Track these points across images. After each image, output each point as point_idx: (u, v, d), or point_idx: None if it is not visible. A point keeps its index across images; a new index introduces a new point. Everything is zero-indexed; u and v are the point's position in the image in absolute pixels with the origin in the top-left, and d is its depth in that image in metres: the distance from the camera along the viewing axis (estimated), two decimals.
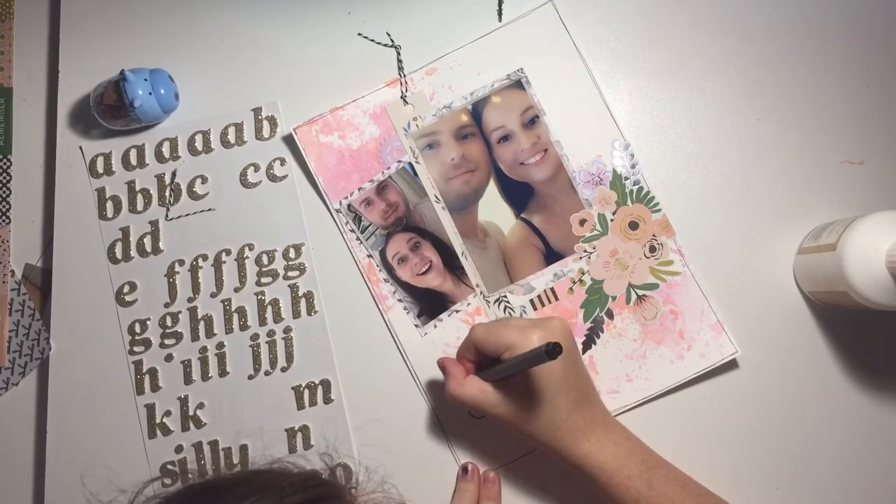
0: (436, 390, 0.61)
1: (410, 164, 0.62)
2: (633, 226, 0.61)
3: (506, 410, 0.52)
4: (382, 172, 0.62)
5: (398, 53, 0.62)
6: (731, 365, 0.59)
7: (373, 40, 0.63)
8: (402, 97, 0.62)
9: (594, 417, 0.53)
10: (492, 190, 0.62)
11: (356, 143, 0.63)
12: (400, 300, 0.62)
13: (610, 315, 0.60)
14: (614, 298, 0.60)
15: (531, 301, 0.61)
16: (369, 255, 0.62)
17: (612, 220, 0.61)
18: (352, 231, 0.62)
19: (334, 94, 0.63)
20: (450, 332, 0.61)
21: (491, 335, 0.53)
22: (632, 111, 0.62)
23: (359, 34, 0.64)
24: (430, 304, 0.62)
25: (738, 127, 0.62)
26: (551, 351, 0.45)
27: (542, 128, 0.62)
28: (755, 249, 0.60)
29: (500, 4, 0.63)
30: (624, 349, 0.60)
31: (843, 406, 0.59)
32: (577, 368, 0.53)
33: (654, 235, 0.61)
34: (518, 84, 0.62)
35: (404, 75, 0.62)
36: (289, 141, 0.63)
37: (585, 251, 0.61)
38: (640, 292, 0.60)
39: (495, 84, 0.62)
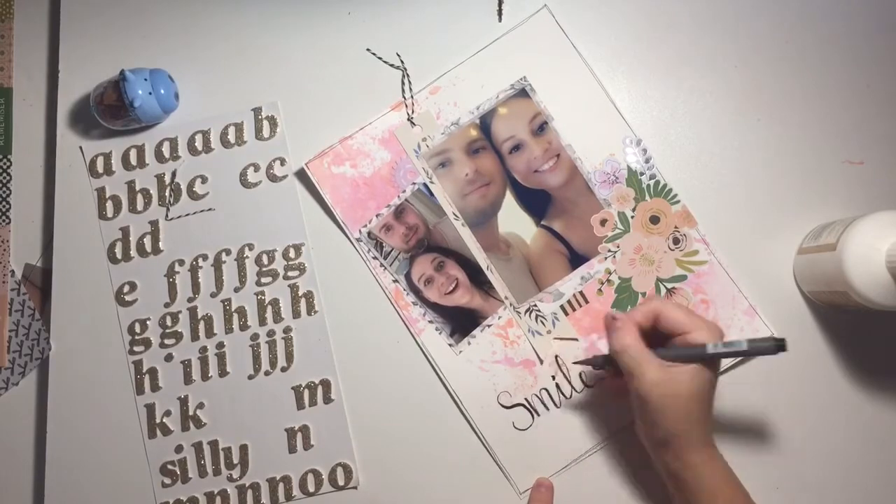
0: (476, 409, 0.60)
1: (425, 184, 0.62)
2: (654, 220, 0.61)
3: (650, 389, 0.51)
4: (398, 196, 0.62)
5: (404, 75, 0.62)
6: (735, 363, 0.59)
7: (380, 58, 0.63)
8: (408, 119, 0.62)
9: (710, 438, 0.53)
10: (509, 201, 0.62)
11: (369, 171, 0.62)
12: (431, 321, 0.61)
13: None
14: (644, 294, 0.60)
15: (561, 307, 0.61)
16: (395, 281, 0.62)
17: (632, 217, 0.61)
18: (374, 258, 0.62)
19: (335, 93, 0.64)
20: (484, 348, 0.61)
21: (687, 314, 0.52)
22: (631, 111, 0.62)
23: (367, 49, 0.64)
24: (461, 322, 0.61)
25: (738, 127, 0.62)
26: (781, 346, 0.46)
27: (551, 133, 0.62)
28: (755, 249, 0.60)
29: (499, 4, 0.63)
30: None
31: (843, 406, 0.59)
32: (714, 390, 0.53)
33: (676, 227, 0.61)
34: (523, 92, 0.62)
35: (410, 97, 0.62)
36: (301, 176, 0.63)
37: (610, 251, 0.61)
38: (669, 285, 0.60)
39: (500, 95, 0.62)
